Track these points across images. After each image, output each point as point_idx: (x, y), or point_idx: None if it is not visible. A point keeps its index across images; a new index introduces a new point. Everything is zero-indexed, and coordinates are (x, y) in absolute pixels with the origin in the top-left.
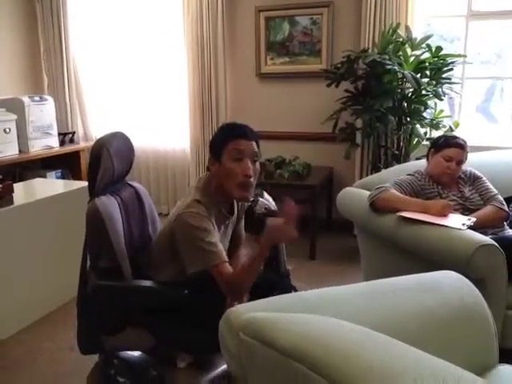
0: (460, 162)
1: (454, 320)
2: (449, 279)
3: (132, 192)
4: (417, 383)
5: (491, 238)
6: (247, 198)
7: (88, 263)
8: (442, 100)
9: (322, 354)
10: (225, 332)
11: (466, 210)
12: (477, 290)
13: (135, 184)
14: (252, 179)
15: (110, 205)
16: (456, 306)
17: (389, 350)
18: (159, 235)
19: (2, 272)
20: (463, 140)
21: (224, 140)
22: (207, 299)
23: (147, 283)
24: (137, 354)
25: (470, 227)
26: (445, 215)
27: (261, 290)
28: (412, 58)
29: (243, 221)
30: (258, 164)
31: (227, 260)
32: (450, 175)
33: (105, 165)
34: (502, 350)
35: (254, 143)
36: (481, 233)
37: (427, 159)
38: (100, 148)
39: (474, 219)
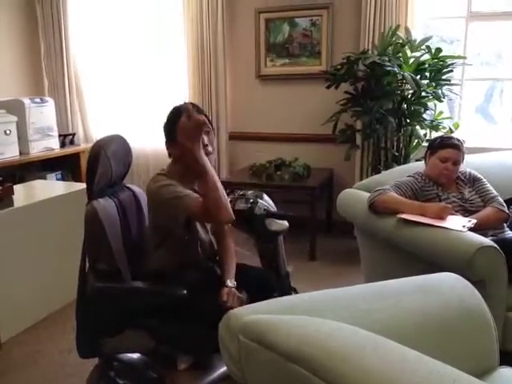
0: (457, 162)
1: (454, 322)
2: (449, 281)
3: (130, 195)
4: None
5: (491, 240)
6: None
7: (87, 265)
8: (441, 101)
9: (321, 357)
10: (224, 334)
11: (465, 212)
12: (477, 292)
13: (133, 187)
14: (210, 148)
15: (109, 207)
16: (456, 308)
17: (388, 353)
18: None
19: (1, 274)
20: (458, 140)
21: (175, 121)
22: (206, 299)
23: (146, 284)
24: (136, 355)
25: (470, 229)
26: (442, 218)
27: (260, 292)
28: (412, 60)
29: None
30: (211, 134)
31: (199, 196)
32: (447, 176)
33: (103, 167)
34: (503, 353)
35: (204, 116)
36: (481, 234)
37: (425, 161)
38: (98, 151)
39: (474, 221)
